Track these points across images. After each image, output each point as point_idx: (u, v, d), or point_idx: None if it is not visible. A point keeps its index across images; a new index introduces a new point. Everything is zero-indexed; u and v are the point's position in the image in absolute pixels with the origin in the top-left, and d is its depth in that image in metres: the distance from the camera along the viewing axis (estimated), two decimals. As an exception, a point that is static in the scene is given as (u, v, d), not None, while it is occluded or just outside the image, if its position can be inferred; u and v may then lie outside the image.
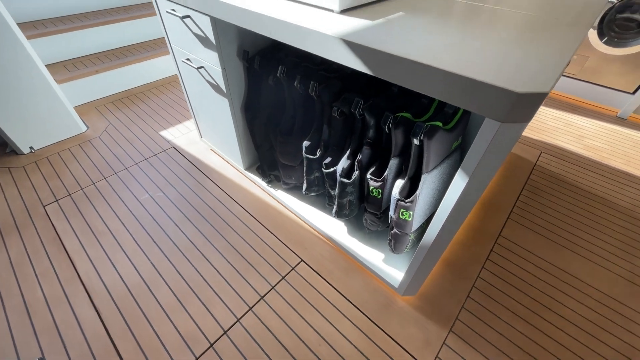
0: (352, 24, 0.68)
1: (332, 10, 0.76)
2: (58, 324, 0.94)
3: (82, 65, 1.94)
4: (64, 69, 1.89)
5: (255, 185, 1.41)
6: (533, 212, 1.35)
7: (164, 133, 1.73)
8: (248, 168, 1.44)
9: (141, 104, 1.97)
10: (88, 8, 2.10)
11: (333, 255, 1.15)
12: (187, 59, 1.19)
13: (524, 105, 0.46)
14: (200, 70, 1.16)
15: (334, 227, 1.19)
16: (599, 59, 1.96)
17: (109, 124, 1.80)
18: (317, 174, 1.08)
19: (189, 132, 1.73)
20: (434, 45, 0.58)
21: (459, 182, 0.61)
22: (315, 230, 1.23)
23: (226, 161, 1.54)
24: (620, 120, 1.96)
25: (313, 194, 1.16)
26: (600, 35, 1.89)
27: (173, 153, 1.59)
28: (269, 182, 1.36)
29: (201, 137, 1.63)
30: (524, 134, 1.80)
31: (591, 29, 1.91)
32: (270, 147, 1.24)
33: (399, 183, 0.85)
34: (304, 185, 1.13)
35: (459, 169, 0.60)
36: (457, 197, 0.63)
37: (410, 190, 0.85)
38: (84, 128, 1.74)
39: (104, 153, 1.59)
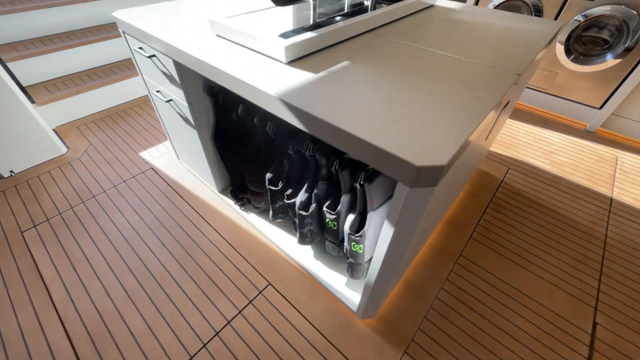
0: (294, 79, 0.73)
1: (281, 61, 0.81)
2: (31, 353, 0.99)
3: (63, 86, 1.97)
4: (45, 90, 1.92)
5: (229, 207, 1.46)
6: (495, 231, 1.41)
7: (143, 154, 1.77)
8: (222, 191, 1.49)
9: (122, 123, 2.00)
10: (69, 27, 2.13)
11: (299, 278, 1.21)
12: (158, 91, 1.24)
13: (426, 174, 0.52)
14: (170, 102, 1.21)
15: (301, 251, 1.25)
16: (568, 75, 2.02)
17: (90, 144, 1.83)
18: (281, 203, 1.13)
19: (168, 152, 1.77)
20: (361, 106, 0.63)
21: (387, 231, 0.67)
22: (283, 253, 1.28)
23: (203, 182, 1.58)
24: (588, 134, 2.03)
25: (279, 220, 1.21)
26: (567, 52, 1.96)
27: (151, 175, 1.64)
28: (241, 206, 1.41)
29: (178, 158, 1.68)
30: (494, 150, 1.86)
31: (558, 44, 1.97)
32: (241, 173, 1.29)
33: (350, 217, 0.91)
34: (270, 212, 1.19)
35: (385, 220, 0.65)
36: (387, 244, 0.68)
37: (360, 224, 0.91)
38: (64, 150, 1.77)
39: (83, 175, 1.63)
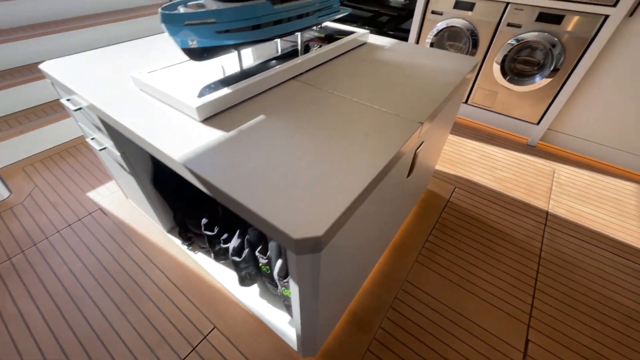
0: (204, 139, 0.75)
1: (195, 119, 0.83)
2: None
3: (6, 126, 1.90)
4: (-14, 132, 1.85)
5: (177, 247, 1.45)
6: (439, 253, 1.47)
7: (91, 193, 1.73)
8: (170, 230, 1.47)
9: (72, 161, 1.95)
10: (12, 65, 2.07)
11: (245, 317, 1.21)
12: (93, 138, 1.23)
13: (307, 244, 0.55)
14: (104, 150, 1.20)
15: (245, 290, 1.24)
16: (507, 94, 2.16)
17: (35, 186, 1.77)
18: (219, 246, 1.14)
19: (117, 190, 1.74)
20: (259, 170, 0.66)
21: (293, 287, 0.69)
22: (229, 293, 1.28)
23: (151, 222, 1.56)
24: (530, 148, 2.16)
25: (222, 261, 1.21)
26: (504, 74, 2.10)
27: (98, 216, 1.60)
28: (189, 245, 1.40)
29: (127, 197, 1.65)
30: (441, 169, 1.95)
31: (495, 65, 2.10)
32: (183, 215, 1.29)
33: (279, 263, 0.93)
34: (212, 254, 1.19)
35: (290, 279, 0.68)
36: (297, 299, 0.71)
37: (287, 270, 0.93)
38: (6, 194, 1.70)
39: (25, 222, 1.57)
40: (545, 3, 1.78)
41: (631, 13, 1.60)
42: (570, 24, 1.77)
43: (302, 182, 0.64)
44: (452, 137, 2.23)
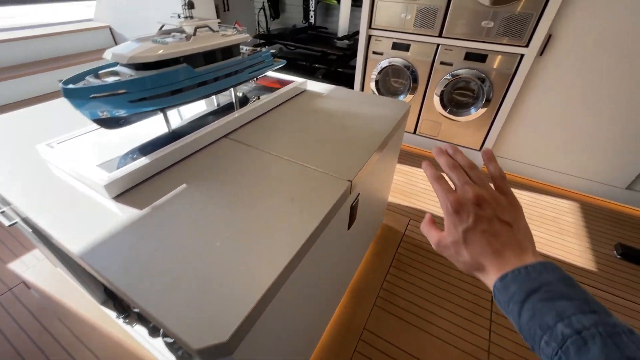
0: (110, 223, 0.68)
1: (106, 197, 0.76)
2: None
3: None
4: None
5: (112, 321, 1.29)
6: (397, 293, 1.44)
7: (14, 264, 1.52)
8: (104, 302, 1.32)
9: (-7, 226, 1.73)
10: None
11: (189, 400, 1.08)
12: (3, 212, 1.09)
13: (212, 351, 0.49)
14: (16, 225, 1.07)
15: (191, 365, 1.12)
16: (449, 124, 2.30)
17: (-57, 262, 1.53)
18: (153, 324, 1.03)
19: (45, 258, 1.55)
20: (161, 262, 0.59)
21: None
22: (173, 369, 1.15)
23: (82, 294, 1.39)
24: (476, 173, 2.28)
25: (158, 338, 1.09)
26: (443, 106, 2.24)
27: (20, 291, 1.40)
28: (125, 318, 1.26)
29: (55, 266, 1.48)
30: (396, 201, 1.98)
31: (435, 97, 2.24)
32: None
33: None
34: (147, 331, 1.07)
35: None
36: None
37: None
38: None
39: None
40: (469, 44, 1.95)
41: (541, 52, 1.80)
42: (494, 62, 1.95)
43: (211, 272, 0.58)
44: (403, 168, 2.31)
